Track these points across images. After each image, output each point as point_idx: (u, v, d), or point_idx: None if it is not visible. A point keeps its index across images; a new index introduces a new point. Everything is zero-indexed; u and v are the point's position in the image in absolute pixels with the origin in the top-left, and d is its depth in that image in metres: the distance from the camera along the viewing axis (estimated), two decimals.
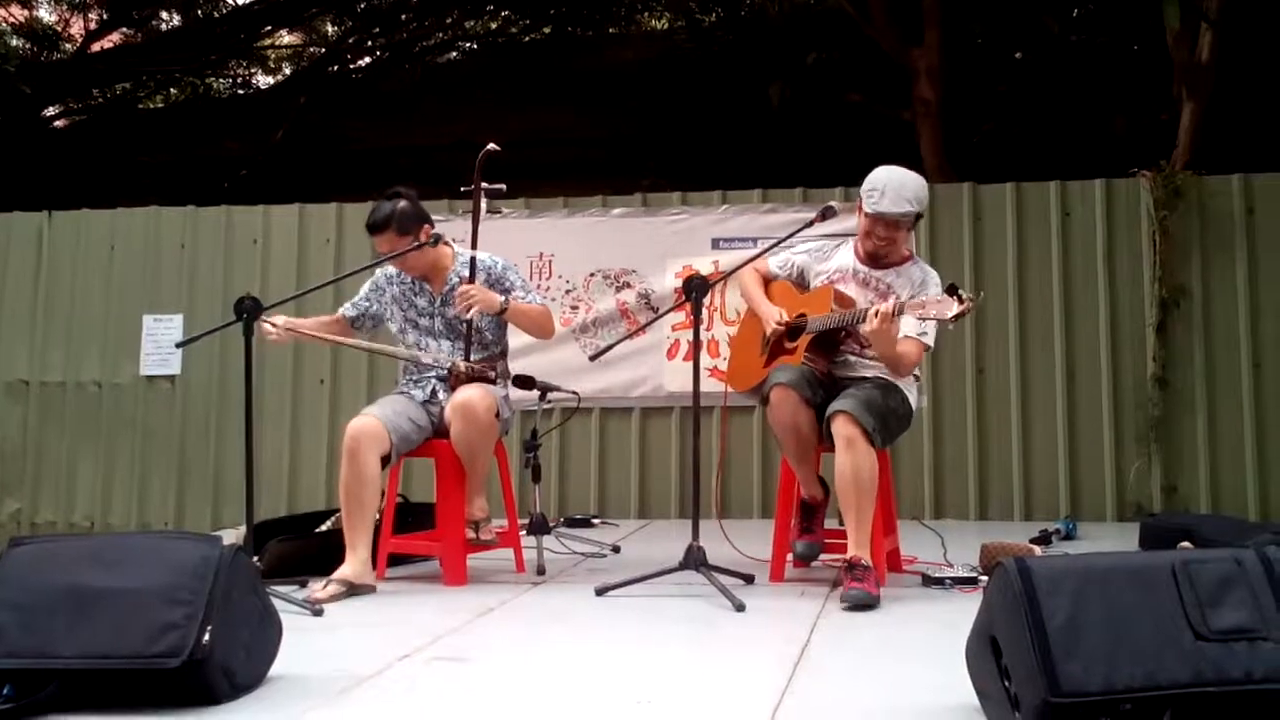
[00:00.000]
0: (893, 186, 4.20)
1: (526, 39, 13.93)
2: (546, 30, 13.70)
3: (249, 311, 4.14)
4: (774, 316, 4.35)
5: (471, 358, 4.53)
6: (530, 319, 4.60)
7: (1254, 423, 6.46)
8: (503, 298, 4.47)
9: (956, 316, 3.84)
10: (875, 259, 4.36)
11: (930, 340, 4.29)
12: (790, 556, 4.46)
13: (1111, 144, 8.20)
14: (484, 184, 4.55)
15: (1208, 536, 4.52)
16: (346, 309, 4.77)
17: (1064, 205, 6.81)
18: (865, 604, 3.80)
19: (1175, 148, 7.36)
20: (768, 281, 4.57)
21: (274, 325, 4.45)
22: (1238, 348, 6.53)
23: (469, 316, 4.46)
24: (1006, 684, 2.45)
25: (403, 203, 4.50)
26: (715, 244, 6.97)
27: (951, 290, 3.86)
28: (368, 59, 14.23)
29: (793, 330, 4.35)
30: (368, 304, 4.74)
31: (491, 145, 4.50)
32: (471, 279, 4.50)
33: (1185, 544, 4.41)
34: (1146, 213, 6.65)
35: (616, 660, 3.20)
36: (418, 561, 4.82)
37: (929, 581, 4.28)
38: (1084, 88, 9.00)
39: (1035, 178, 6.94)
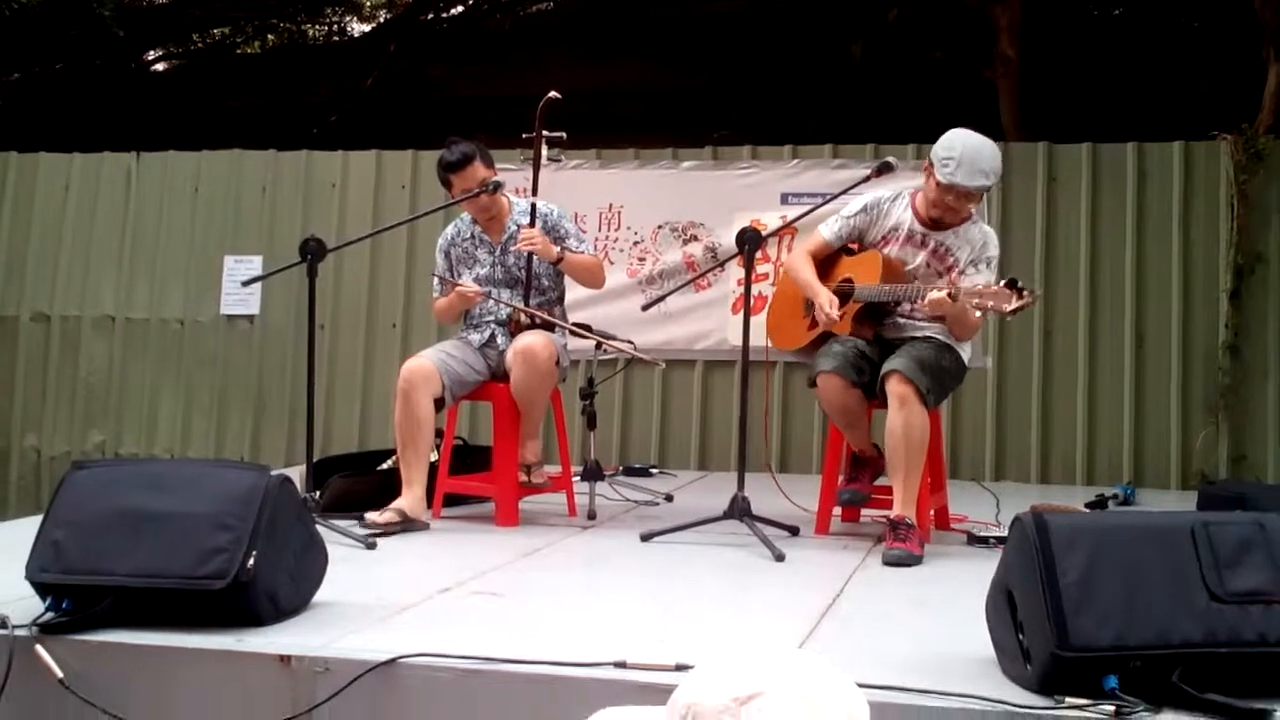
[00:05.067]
0: (968, 157, 4.07)
1: None
2: None
3: (313, 253, 4.30)
4: (828, 303, 4.19)
5: (530, 305, 4.62)
6: (584, 269, 4.74)
7: None
8: (558, 249, 4.57)
9: (1014, 311, 3.80)
10: (936, 221, 4.28)
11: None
12: (837, 510, 4.50)
13: (1193, 106, 8.00)
14: (545, 132, 4.62)
15: (1261, 505, 4.44)
16: (436, 289, 4.87)
17: (1141, 167, 6.69)
18: (906, 563, 3.83)
19: (1259, 111, 7.18)
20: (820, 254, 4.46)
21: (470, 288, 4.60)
22: None
23: (526, 251, 4.55)
24: (1020, 637, 2.48)
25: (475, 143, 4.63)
26: (784, 199, 6.95)
27: (1012, 284, 3.80)
28: (460, 7, 14.29)
29: (841, 295, 4.30)
30: (446, 271, 4.85)
31: (553, 93, 4.56)
32: (532, 224, 4.60)
33: (1238, 512, 4.38)
34: (1225, 177, 6.51)
35: (648, 602, 3.29)
36: (474, 503, 4.92)
37: (973, 540, 4.31)
38: (1168, 49, 8.79)
39: (1114, 139, 6.83)
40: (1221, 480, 6.07)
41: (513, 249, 4.61)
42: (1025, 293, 3.79)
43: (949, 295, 3.92)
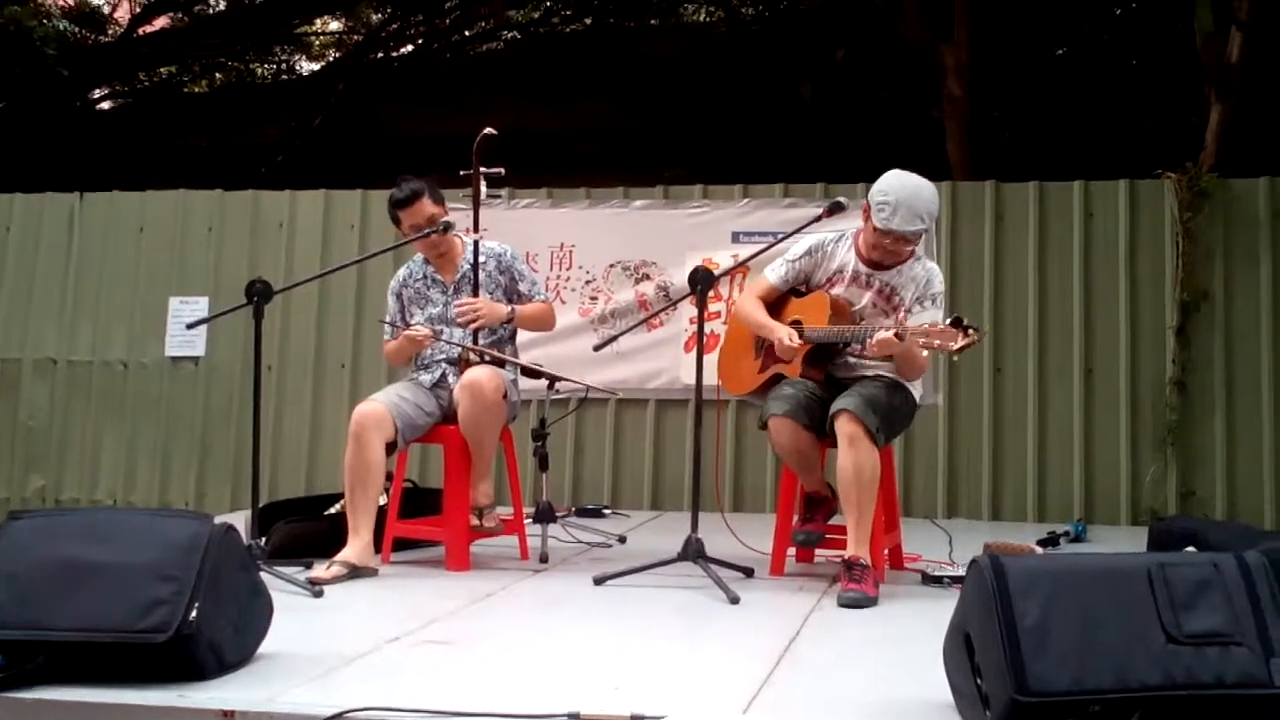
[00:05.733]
0: (905, 200, 4.08)
1: (568, 29, 13.95)
2: (588, 21, 13.72)
3: (260, 295, 4.24)
4: (782, 340, 4.20)
5: (480, 343, 4.58)
6: (534, 319, 4.76)
7: (1273, 429, 6.39)
8: (509, 308, 4.56)
9: (960, 349, 3.80)
10: (878, 263, 4.30)
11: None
12: (791, 550, 4.47)
13: (1137, 145, 8.13)
14: (483, 169, 4.61)
15: (1212, 542, 4.48)
16: (387, 333, 4.84)
17: (1087, 206, 6.75)
18: (861, 605, 3.81)
19: (1202, 150, 7.29)
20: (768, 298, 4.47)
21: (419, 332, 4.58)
22: (1259, 351, 6.46)
23: (473, 327, 4.54)
24: (978, 681, 2.46)
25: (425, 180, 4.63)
26: (735, 237, 6.97)
27: (957, 323, 3.81)
28: (409, 46, 14.29)
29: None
30: (398, 314, 4.81)
31: (489, 129, 4.55)
32: (475, 265, 4.58)
33: (1190, 549, 4.40)
34: (1170, 215, 6.60)
35: (603, 648, 3.24)
36: (424, 546, 4.85)
37: (928, 579, 4.29)
38: (1112, 88, 8.93)
39: (1060, 177, 6.89)
40: (1171, 516, 6.10)
41: (456, 318, 4.57)
42: (971, 330, 3.79)
43: (895, 335, 3.93)
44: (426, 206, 4.59)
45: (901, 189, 4.12)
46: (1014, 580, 2.44)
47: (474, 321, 4.50)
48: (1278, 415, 6.40)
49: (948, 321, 3.84)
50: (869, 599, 3.83)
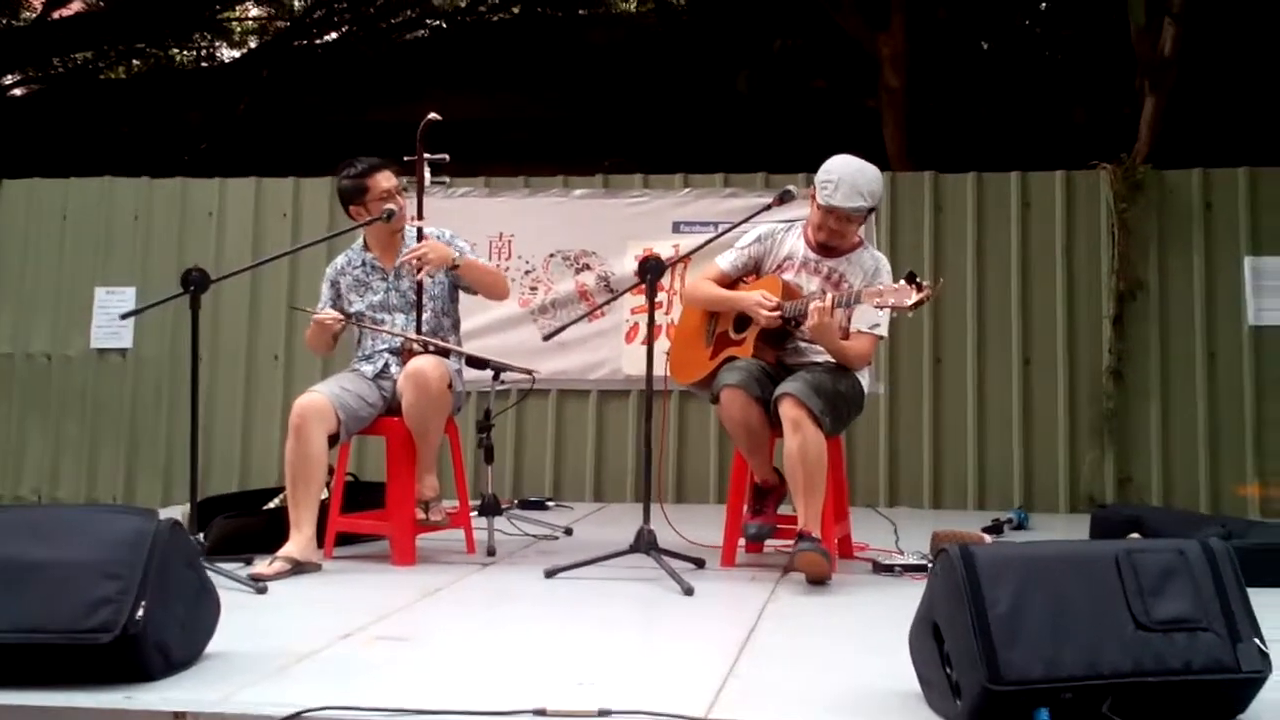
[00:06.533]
0: (847, 179, 4.15)
1: (495, 18, 13.81)
2: (515, 10, 13.58)
3: (196, 284, 4.10)
4: (758, 301, 4.18)
5: (424, 331, 4.49)
6: (485, 273, 4.66)
7: (1208, 416, 6.49)
8: (455, 252, 4.44)
9: (915, 305, 3.83)
10: (826, 247, 4.32)
11: (883, 331, 4.29)
12: (742, 541, 4.44)
13: (1073, 136, 8.22)
14: (426, 154, 4.53)
15: (1155, 528, 4.54)
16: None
17: (1025, 196, 6.81)
18: (819, 554, 3.81)
19: (1136, 141, 7.38)
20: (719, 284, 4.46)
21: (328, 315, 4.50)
22: (1193, 340, 6.56)
23: (421, 277, 4.43)
24: (948, 671, 2.44)
25: None
26: (676, 227, 6.93)
27: (910, 278, 3.84)
28: (333, 34, 14.07)
29: (739, 321, 4.33)
30: (330, 302, 4.69)
31: (433, 114, 4.47)
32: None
33: (1134, 535, 4.44)
34: (1106, 205, 6.67)
35: (561, 642, 3.18)
36: (367, 541, 4.75)
37: (879, 568, 4.28)
38: (1047, 79, 9.02)
39: (997, 168, 6.94)
40: (1111, 504, 6.17)
41: (403, 266, 4.47)
42: (924, 285, 3.81)
43: (831, 305, 3.96)
44: (390, 177, 4.53)
45: (845, 168, 4.20)
46: (983, 569, 2.43)
47: (420, 267, 4.37)
48: (1212, 402, 6.50)
49: (901, 281, 3.86)
50: (825, 553, 3.85)
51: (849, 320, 4.20)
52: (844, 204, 4.14)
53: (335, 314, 4.52)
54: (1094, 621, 2.37)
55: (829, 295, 4.04)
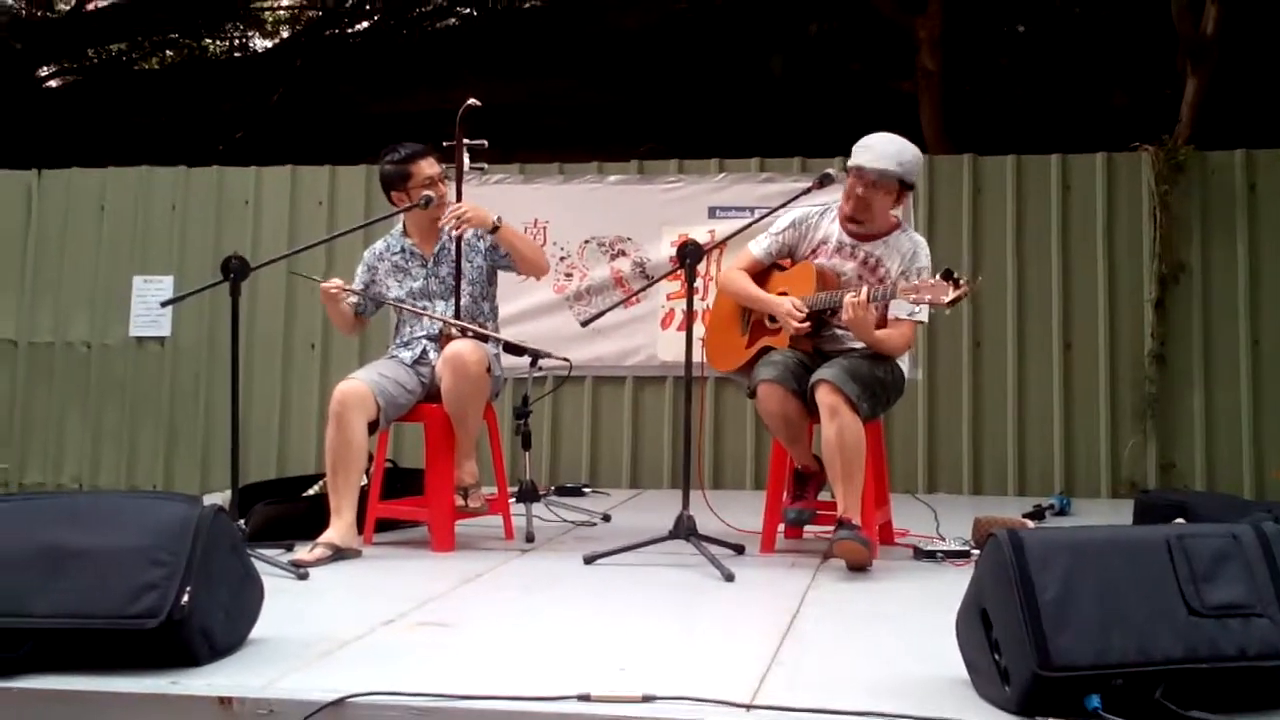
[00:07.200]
0: (879, 145, 4.11)
1: (527, 5, 13.81)
2: None
3: (236, 271, 4.11)
4: (789, 311, 4.14)
5: (463, 317, 4.48)
6: (526, 245, 4.62)
7: (1251, 400, 6.42)
8: (496, 215, 4.42)
9: (952, 302, 3.79)
10: (861, 233, 4.25)
11: (923, 316, 4.23)
12: (781, 527, 4.42)
13: (1114, 117, 8.13)
14: (465, 140, 4.52)
15: (1201, 513, 4.47)
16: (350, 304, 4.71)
17: (1065, 179, 6.74)
18: (859, 542, 3.77)
19: (1178, 122, 7.30)
20: (752, 271, 4.42)
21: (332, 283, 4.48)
22: (1236, 324, 6.48)
23: (458, 232, 4.43)
24: (996, 657, 2.41)
25: None
26: (712, 212, 6.90)
27: (948, 275, 3.79)
28: (365, 23, 14.10)
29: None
30: (364, 286, 4.68)
31: (472, 100, 4.45)
32: (459, 241, 4.49)
33: (1179, 520, 4.38)
34: (1147, 188, 6.59)
35: (602, 628, 3.17)
36: (406, 527, 4.77)
37: (920, 554, 4.24)
38: (1087, 60, 8.92)
39: (1036, 150, 6.87)
40: (1155, 489, 6.11)
41: (444, 226, 4.46)
42: (961, 283, 3.76)
43: (867, 297, 3.91)
44: (433, 163, 4.53)
45: (880, 137, 4.17)
46: (1032, 554, 2.39)
47: (461, 224, 4.35)
48: (1255, 386, 6.43)
49: (938, 275, 3.81)
50: (865, 540, 3.80)
51: (886, 308, 4.15)
52: (871, 164, 4.08)
53: (337, 281, 4.50)
54: (1145, 607, 2.33)
55: (864, 289, 3.97)
